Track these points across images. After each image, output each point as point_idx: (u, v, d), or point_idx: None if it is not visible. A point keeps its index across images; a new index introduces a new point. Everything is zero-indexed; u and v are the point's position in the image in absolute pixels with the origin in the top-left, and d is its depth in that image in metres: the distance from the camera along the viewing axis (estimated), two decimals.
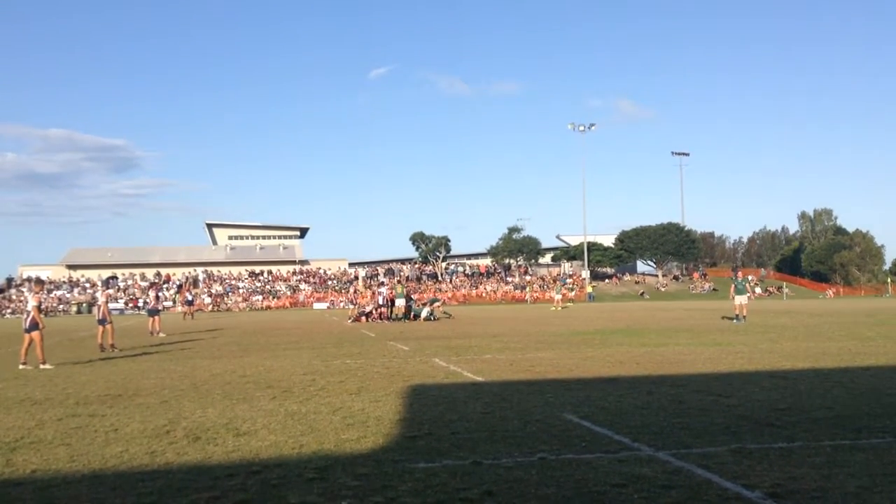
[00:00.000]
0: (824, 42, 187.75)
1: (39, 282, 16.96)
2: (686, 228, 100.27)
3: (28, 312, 15.72)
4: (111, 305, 24.46)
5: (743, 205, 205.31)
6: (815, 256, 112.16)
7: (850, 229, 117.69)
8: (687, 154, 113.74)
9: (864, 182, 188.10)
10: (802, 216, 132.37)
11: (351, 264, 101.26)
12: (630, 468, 5.79)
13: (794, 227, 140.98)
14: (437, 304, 37.63)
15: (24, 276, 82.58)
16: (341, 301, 72.05)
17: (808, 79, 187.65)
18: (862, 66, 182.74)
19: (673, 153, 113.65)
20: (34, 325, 15.37)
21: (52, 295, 76.41)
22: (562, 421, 7.83)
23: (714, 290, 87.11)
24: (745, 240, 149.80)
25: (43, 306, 18.23)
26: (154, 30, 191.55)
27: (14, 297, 75.77)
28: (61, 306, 74.99)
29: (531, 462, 6.06)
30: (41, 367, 14.96)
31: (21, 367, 15.02)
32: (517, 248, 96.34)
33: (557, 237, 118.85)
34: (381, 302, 34.59)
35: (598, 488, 5.25)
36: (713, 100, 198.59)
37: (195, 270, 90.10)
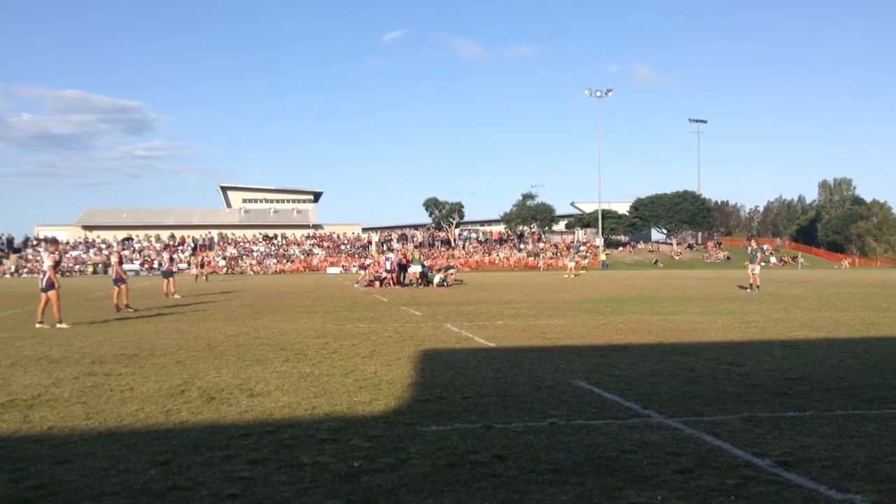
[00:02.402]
0: (845, 10, 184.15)
1: (55, 241, 17.13)
2: (701, 197, 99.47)
3: (44, 272, 15.88)
4: (125, 266, 24.65)
5: (759, 174, 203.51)
6: (831, 226, 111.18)
7: (868, 199, 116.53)
8: (704, 121, 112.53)
9: (882, 152, 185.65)
10: (823, 185, 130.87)
11: (364, 229, 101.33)
12: (640, 434, 5.81)
13: (810, 197, 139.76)
14: (451, 271, 37.62)
15: (41, 236, 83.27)
16: (354, 266, 72.24)
17: (828, 47, 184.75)
18: (883, 35, 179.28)
19: (690, 120, 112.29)
20: (50, 285, 15.52)
21: (68, 255, 77.02)
22: (573, 387, 7.85)
23: (728, 258, 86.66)
24: (760, 209, 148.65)
25: (59, 266, 18.40)
26: None
27: (31, 256, 76.44)
28: (77, 266, 75.64)
29: (541, 427, 6.09)
30: (57, 326, 15.13)
31: (38, 325, 15.19)
32: (531, 215, 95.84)
33: (572, 204, 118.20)
34: (388, 267, 34.64)
35: (607, 454, 5.27)
36: (732, 67, 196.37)
37: (210, 233, 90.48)
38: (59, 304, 15.68)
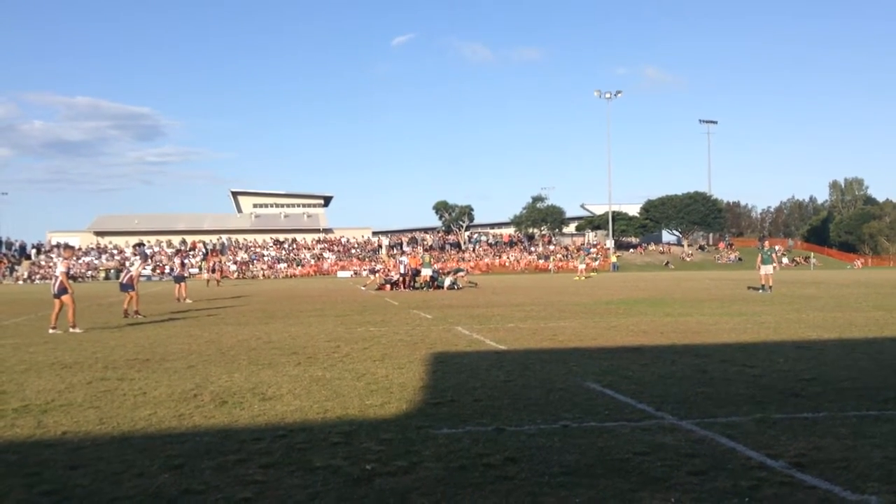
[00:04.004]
0: (855, 9, 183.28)
1: (69, 248, 17.23)
2: (712, 198, 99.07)
3: (56, 278, 15.98)
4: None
5: (771, 174, 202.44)
6: (843, 226, 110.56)
7: (881, 199, 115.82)
8: (715, 122, 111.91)
9: (895, 152, 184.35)
10: (833, 185, 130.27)
11: (374, 233, 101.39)
12: (653, 436, 5.79)
13: (822, 197, 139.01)
14: (461, 273, 37.62)
15: (53, 243, 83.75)
16: (364, 269, 72.34)
17: (838, 47, 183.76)
18: (893, 34, 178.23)
19: (700, 121, 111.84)
20: (63, 290, 15.62)
21: (80, 261, 77.46)
22: (585, 389, 7.83)
23: (740, 259, 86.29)
24: (772, 209, 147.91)
25: (71, 272, 18.50)
26: None
27: (43, 262, 76.90)
28: (89, 272, 76.04)
29: (553, 429, 6.07)
30: (70, 331, 15.21)
31: (51, 331, 15.27)
32: (541, 218, 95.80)
33: (582, 206, 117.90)
34: (402, 271, 34.69)
35: (620, 456, 5.25)
36: (741, 67, 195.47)
37: (221, 238, 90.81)
38: (74, 309, 15.78)
